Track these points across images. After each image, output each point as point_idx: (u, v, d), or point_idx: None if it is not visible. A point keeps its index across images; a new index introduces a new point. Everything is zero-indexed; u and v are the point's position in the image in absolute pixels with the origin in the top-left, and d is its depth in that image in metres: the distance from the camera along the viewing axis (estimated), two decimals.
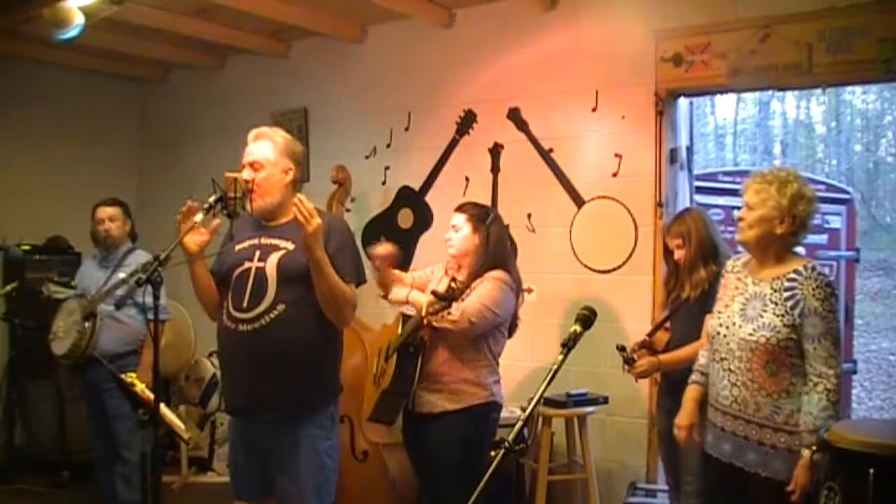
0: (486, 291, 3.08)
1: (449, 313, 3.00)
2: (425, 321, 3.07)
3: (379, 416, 3.32)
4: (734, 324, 2.49)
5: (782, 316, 2.40)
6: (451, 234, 3.23)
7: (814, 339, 2.37)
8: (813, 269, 2.43)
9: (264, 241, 2.67)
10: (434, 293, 2.98)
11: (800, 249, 2.59)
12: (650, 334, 3.25)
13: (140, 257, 3.97)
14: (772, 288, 2.46)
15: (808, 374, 2.38)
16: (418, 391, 3.16)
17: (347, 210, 4.61)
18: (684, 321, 3.16)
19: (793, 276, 2.43)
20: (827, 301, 2.38)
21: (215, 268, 2.75)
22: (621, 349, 3.18)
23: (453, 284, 2.92)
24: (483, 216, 3.22)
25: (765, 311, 2.44)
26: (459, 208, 3.30)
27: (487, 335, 3.16)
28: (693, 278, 3.13)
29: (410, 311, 3.25)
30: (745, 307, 2.50)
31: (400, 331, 3.29)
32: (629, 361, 3.17)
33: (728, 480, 2.50)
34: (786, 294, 2.42)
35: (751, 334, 2.43)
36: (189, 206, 2.59)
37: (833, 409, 2.33)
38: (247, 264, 2.64)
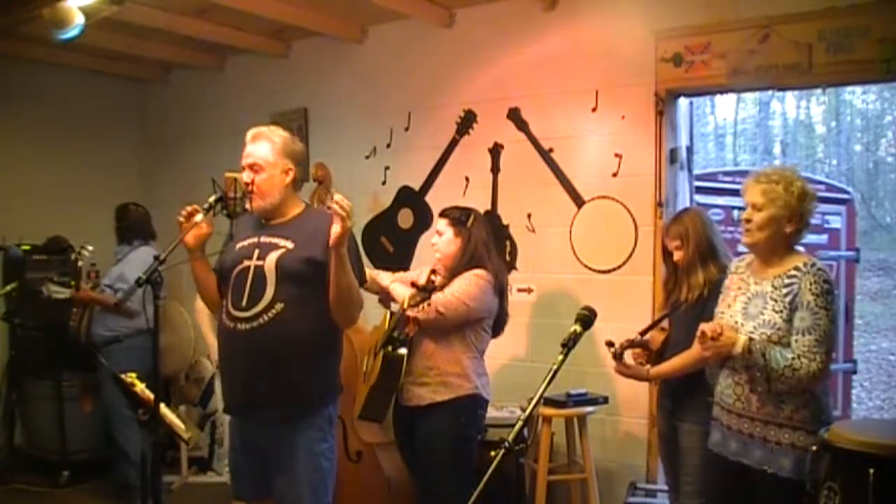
0: (458, 285, 3.20)
1: (428, 304, 3.12)
2: (406, 313, 3.18)
3: (367, 414, 3.37)
4: (736, 322, 2.50)
5: (781, 312, 2.41)
6: (436, 238, 3.35)
7: (799, 331, 2.37)
8: (813, 265, 2.44)
9: (264, 239, 2.67)
10: (414, 284, 3.17)
11: (799, 249, 2.60)
12: (642, 333, 3.22)
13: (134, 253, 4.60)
14: (773, 286, 2.46)
15: None
16: (406, 385, 3.24)
17: (329, 208, 4.57)
18: (682, 324, 3.14)
19: (793, 272, 2.43)
20: (821, 297, 2.37)
21: (217, 266, 2.76)
22: (610, 344, 3.17)
23: (433, 277, 3.11)
24: (464, 219, 3.31)
25: (765, 308, 2.45)
26: (442, 213, 3.41)
27: (468, 328, 3.23)
28: (690, 280, 3.10)
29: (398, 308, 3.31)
30: (747, 306, 2.51)
31: (386, 327, 3.35)
32: (617, 357, 3.16)
33: (734, 479, 2.51)
34: (785, 290, 2.43)
35: (751, 332, 2.43)
36: (190, 209, 2.61)
37: (794, 377, 2.32)
38: (246, 262, 2.64)
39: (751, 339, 2.40)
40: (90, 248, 4.75)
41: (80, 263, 4.81)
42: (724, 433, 2.54)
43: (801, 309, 2.38)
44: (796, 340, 2.37)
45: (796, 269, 2.44)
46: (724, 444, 2.54)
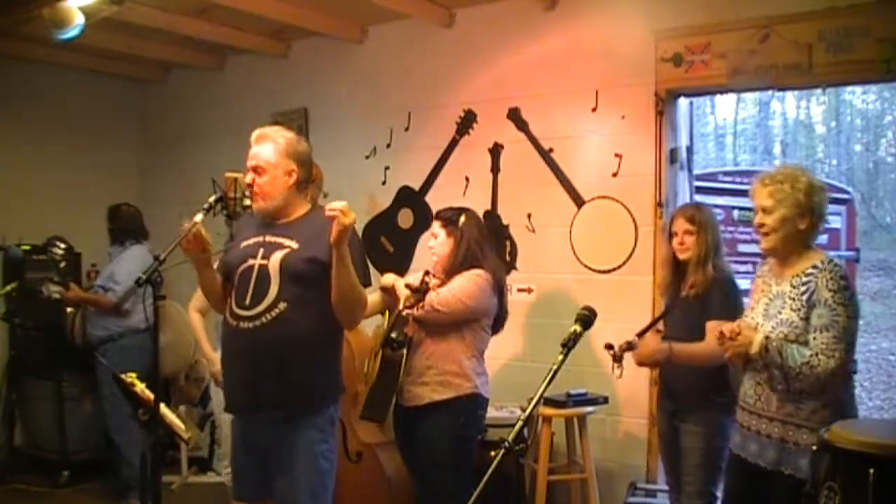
0: (456, 284, 3.21)
1: (422, 305, 3.13)
2: (403, 313, 3.20)
3: (368, 414, 3.37)
4: (758, 324, 2.50)
5: (798, 310, 2.41)
6: (432, 241, 3.37)
7: (816, 329, 2.37)
8: (829, 261, 2.45)
9: (269, 238, 2.67)
10: (408, 286, 3.19)
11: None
12: (640, 334, 3.20)
13: (125, 252, 4.65)
14: (791, 285, 2.47)
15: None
16: (405, 385, 3.24)
17: (320, 207, 4.57)
18: (679, 324, 3.13)
19: (810, 270, 2.44)
20: (838, 293, 2.37)
21: (220, 265, 2.77)
22: (609, 347, 3.15)
23: (426, 278, 3.14)
24: (455, 219, 3.33)
25: (783, 308, 2.45)
26: (436, 216, 3.43)
27: (467, 328, 3.23)
28: (694, 276, 3.07)
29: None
30: (768, 307, 2.52)
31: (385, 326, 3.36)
32: (617, 360, 3.15)
33: (751, 481, 2.50)
34: (802, 289, 2.43)
35: (770, 331, 2.44)
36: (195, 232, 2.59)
37: (812, 374, 2.31)
38: (250, 261, 2.64)
39: (767, 338, 2.40)
40: (62, 245, 4.81)
41: (62, 264, 4.84)
42: (744, 434, 2.54)
43: (818, 306, 2.38)
44: (814, 338, 2.36)
45: (813, 266, 2.44)
46: (744, 445, 2.53)
